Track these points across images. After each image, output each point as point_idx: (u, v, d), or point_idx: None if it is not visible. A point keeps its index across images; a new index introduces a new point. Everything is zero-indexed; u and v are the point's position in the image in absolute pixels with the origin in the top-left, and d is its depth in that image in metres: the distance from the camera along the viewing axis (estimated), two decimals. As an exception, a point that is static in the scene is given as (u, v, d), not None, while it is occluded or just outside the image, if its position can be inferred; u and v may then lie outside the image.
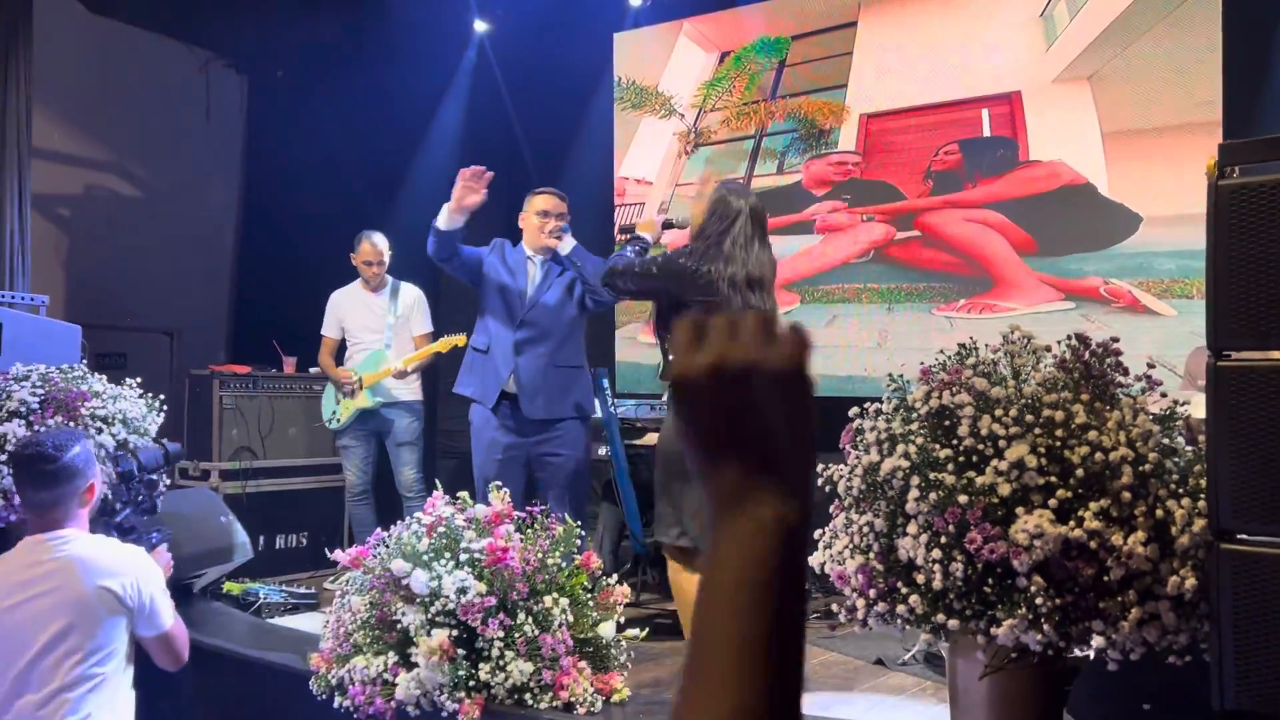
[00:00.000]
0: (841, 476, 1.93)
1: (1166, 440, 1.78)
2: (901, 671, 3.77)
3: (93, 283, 6.25)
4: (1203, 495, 1.71)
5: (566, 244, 3.98)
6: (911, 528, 1.78)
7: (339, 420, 5.19)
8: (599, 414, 4.80)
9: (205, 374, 5.35)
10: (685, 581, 3.38)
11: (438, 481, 3.32)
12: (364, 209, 6.20)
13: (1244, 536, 1.63)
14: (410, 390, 5.17)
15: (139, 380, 3.72)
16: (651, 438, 5.03)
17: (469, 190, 3.98)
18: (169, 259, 6.53)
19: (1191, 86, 4.27)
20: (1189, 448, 1.83)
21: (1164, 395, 1.88)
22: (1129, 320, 4.34)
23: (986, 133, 4.87)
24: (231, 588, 4.53)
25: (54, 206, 6.09)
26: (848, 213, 5.26)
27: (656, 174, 6.15)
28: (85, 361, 3.66)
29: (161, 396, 3.70)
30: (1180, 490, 1.73)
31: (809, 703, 2.35)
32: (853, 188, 5.31)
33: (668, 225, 3.66)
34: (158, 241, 6.48)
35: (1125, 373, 1.87)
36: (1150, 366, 1.88)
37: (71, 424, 3.36)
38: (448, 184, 6.38)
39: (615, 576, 3.04)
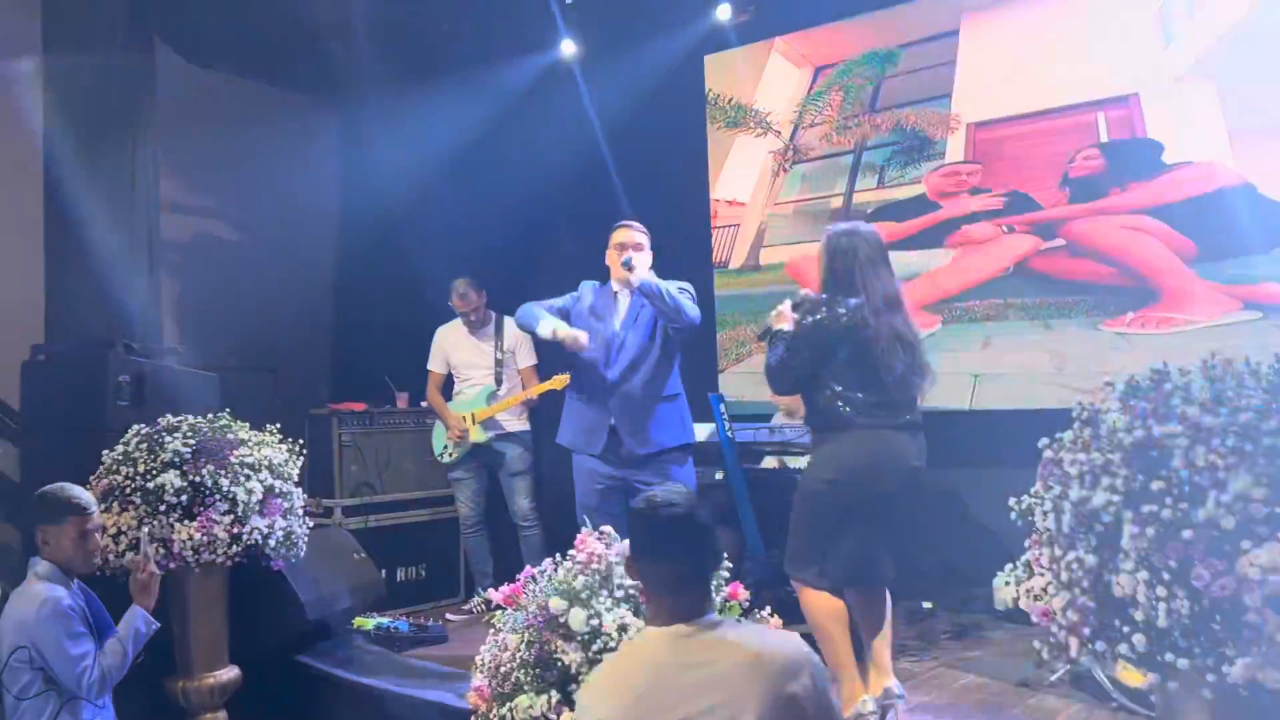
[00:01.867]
0: (1044, 511, 1.89)
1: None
2: (1050, 693, 3.70)
3: (199, 326, 6.43)
4: None
5: (638, 275, 3.94)
6: (1127, 564, 1.74)
7: (451, 455, 5.27)
8: (709, 438, 4.81)
9: (324, 413, 5.47)
10: (816, 603, 3.36)
11: (585, 517, 3.32)
12: (457, 241, 6.30)
13: None
14: (519, 421, 5.26)
15: (278, 426, 3.81)
16: (769, 461, 5.02)
17: (573, 344, 4.02)
18: (270, 299, 6.69)
19: None
20: None
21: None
22: None
23: (1103, 138, 4.71)
24: (362, 623, 4.62)
25: (165, 254, 6.29)
26: (992, 225, 5.06)
27: (750, 194, 6.14)
28: (229, 411, 3.76)
29: (301, 441, 3.78)
30: None
31: None
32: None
33: (796, 306, 3.53)
34: (259, 283, 6.65)
35: (1337, 394, 1.81)
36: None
37: (222, 472, 3.45)
38: (539, 212, 6.45)
39: (768, 609, 3.03)
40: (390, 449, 5.56)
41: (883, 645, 3.41)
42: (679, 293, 4.07)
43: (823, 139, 5.79)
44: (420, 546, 5.54)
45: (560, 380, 4.88)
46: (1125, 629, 1.75)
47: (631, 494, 4.17)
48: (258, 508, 3.49)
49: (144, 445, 3.50)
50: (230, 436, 3.60)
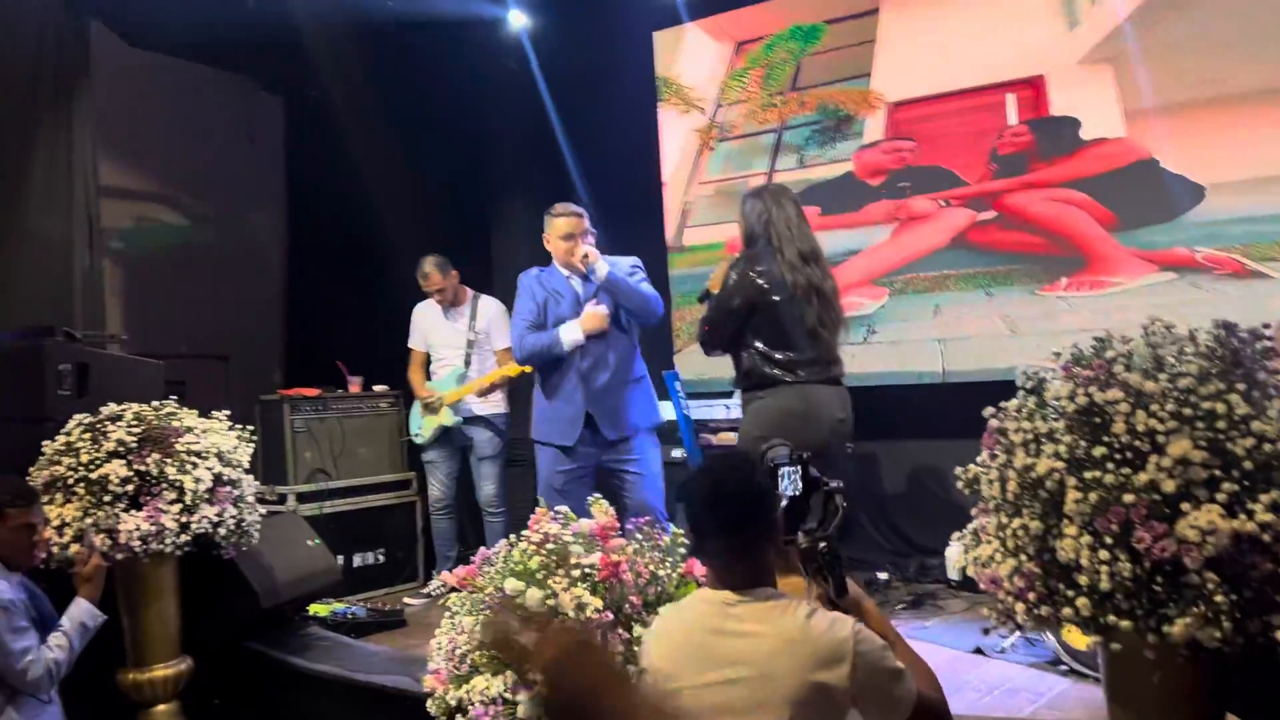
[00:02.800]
0: (990, 480, 1.91)
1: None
2: (1003, 660, 3.76)
3: (146, 313, 6.30)
4: (1376, 481, 1.68)
5: (599, 271, 3.91)
6: (1071, 529, 1.76)
7: (424, 436, 5.23)
8: (667, 417, 4.81)
9: (275, 399, 5.40)
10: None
11: (540, 497, 3.31)
12: (409, 221, 6.22)
13: None
14: (491, 405, 5.19)
15: (226, 413, 3.74)
16: (726, 436, 5.03)
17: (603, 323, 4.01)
18: (218, 285, 6.57)
19: (1220, 63, 4.33)
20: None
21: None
22: (1239, 286, 4.29)
23: (1012, 118, 4.90)
24: (318, 610, 4.58)
25: (107, 239, 6.14)
26: (930, 200, 5.19)
27: (672, 173, 6.11)
28: (176, 398, 3.68)
29: (251, 427, 3.72)
30: (1352, 477, 1.71)
31: None
32: (910, 175, 5.26)
33: (735, 265, 3.62)
34: (207, 269, 6.52)
35: (1275, 356, 1.83)
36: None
37: (169, 461, 3.38)
38: (493, 188, 6.38)
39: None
40: (345, 434, 5.50)
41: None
42: (633, 273, 4.05)
43: (747, 117, 5.80)
44: (377, 531, 5.50)
45: (515, 368, 4.83)
46: (1069, 593, 1.77)
47: (600, 476, 4.16)
48: (206, 496, 3.43)
49: (87, 435, 3.42)
50: (176, 424, 3.53)
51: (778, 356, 3.41)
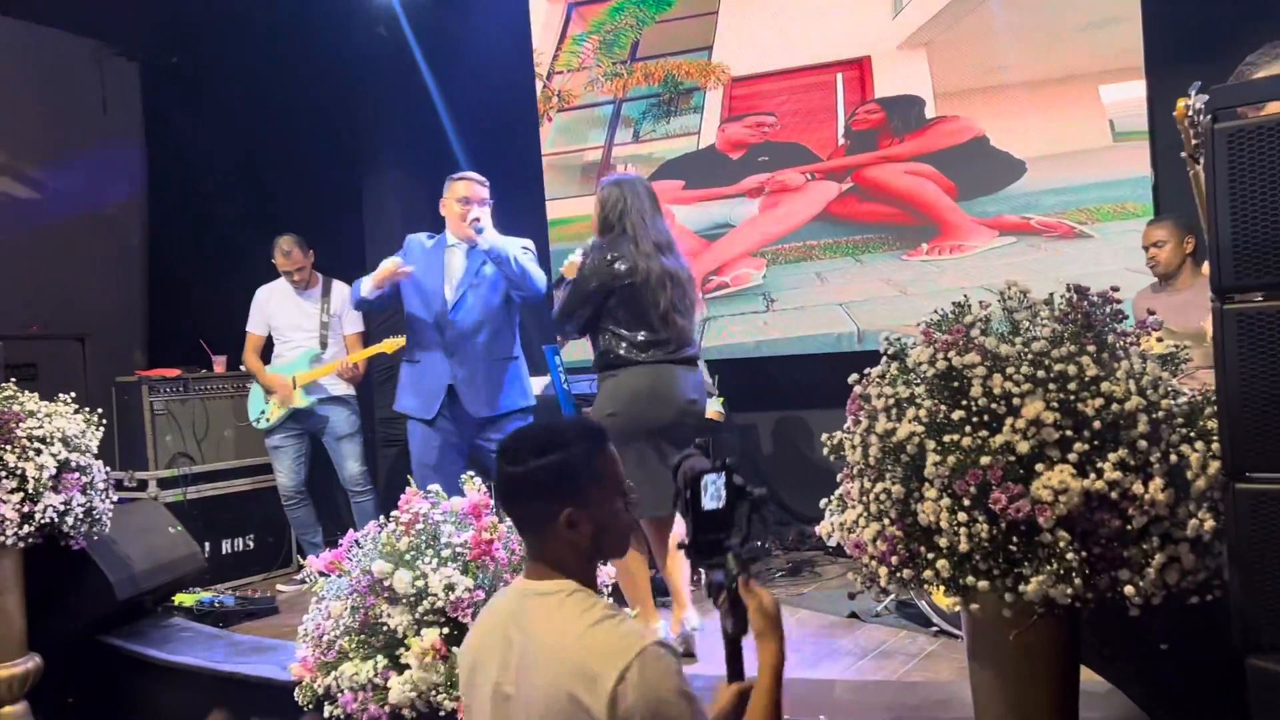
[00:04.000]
0: (853, 446, 1.91)
1: (1173, 384, 1.81)
2: (876, 624, 3.84)
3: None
4: (1213, 438, 1.73)
5: (486, 239, 3.88)
6: (931, 492, 1.77)
7: (268, 420, 5.04)
8: (545, 391, 4.75)
9: (132, 380, 5.13)
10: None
11: (409, 476, 3.21)
12: (278, 196, 5.98)
13: (1257, 475, 1.66)
14: (345, 386, 5.06)
15: (73, 395, 3.53)
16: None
17: (395, 276, 3.99)
18: (74, 262, 6.21)
19: (1023, 48, 4.75)
20: (1191, 390, 1.86)
21: (1160, 341, 1.91)
22: (1071, 245, 4.69)
23: (840, 96, 5.16)
24: (183, 599, 4.39)
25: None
26: (799, 173, 5.30)
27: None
28: (15, 381, 3.45)
29: (100, 410, 3.52)
30: (1190, 433, 1.76)
31: (797, 662, 2.39)
32: (768, 150, 5.34)
33: (590, 253, 3.71)
34: (60, 244, 6.15)
35: (1122, 319, 1.88)
36: (1150, 313, 1.91)
37: (8, 447, 3.17)
38: (365, 163, 6.17)
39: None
40: (209, 416, 5.27)
41: (677, 575, 3.56)
42: (524, 253, 4.00)
43: (588, 86, 5.78)
44: (246, 516, 5.30)
45: (391, 344, 4.70)
46: (930, 555, 1.79)
47: (475, 455, 4.09)
48: (51, 484, 3.22)
49: (-84, 422, 3.18)
50: (17, 409, 3.30)
51: (631, 338, 3.51)
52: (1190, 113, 1.94)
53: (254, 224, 5.70)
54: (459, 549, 2.76)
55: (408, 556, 2.77)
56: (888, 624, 3.83)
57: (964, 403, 1.80)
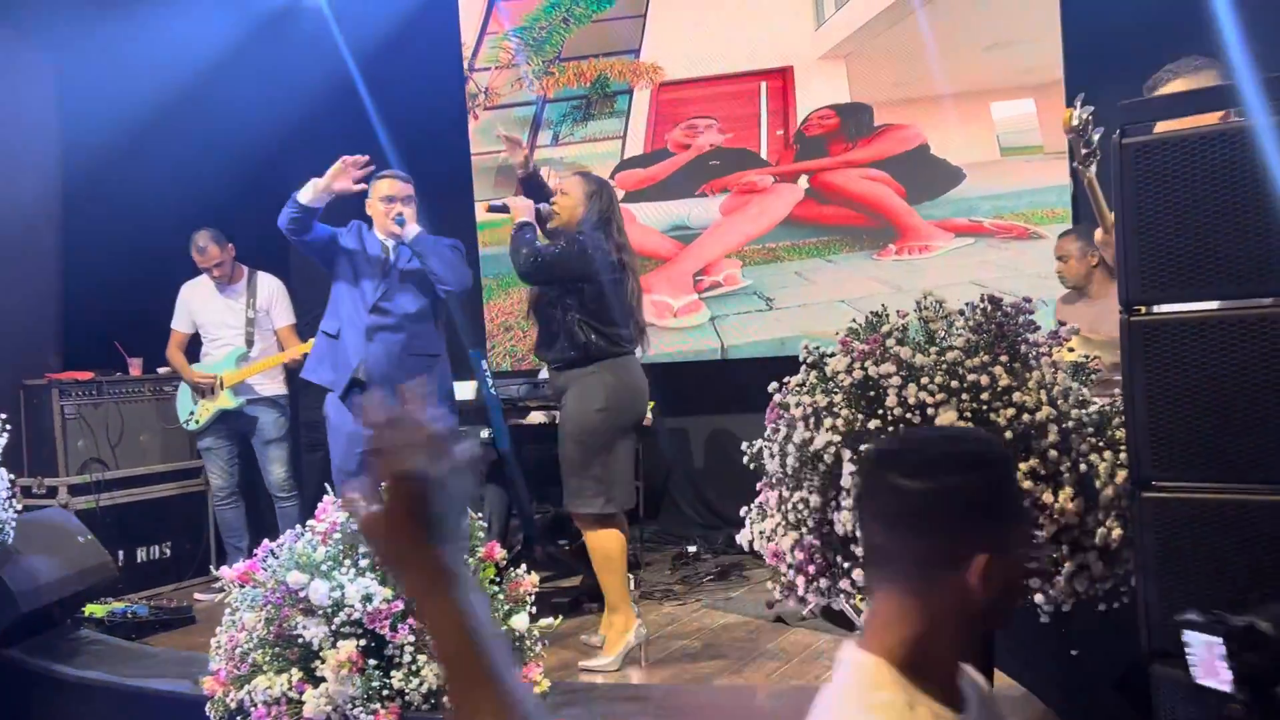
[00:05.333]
0: (772, 455, 1.91)
1: (1084, 393, 1.83)
2: (803, 627, 3.86)
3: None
4: (1121, 447, 1.76)
5: (409, 231, 3.82)
6: (848, 501, 1.78)
7: (198, 421, 4.90)
8: (474, 396, 4.69)
9: (42, 383, 4.95)
10: (603, 540, 3.52)
11: (327, 485, 3.14)
12: (198, 191, 5.81)
13: (1163, 484, 1.69)
14: (275, 385, 4.94)
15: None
16: (535, 416, 4.95)
17: (345, 176, 3.81)
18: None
19: (942, 63, 4.87)
20: (1099, 400, 1.90)
21: (1071, 351, 1.94)
22: (1025, 245, 4.79)
23: (764, 104, 5.25)
24: (94, 610, 4.24)
25: None
26: (757, 174, 5.35)
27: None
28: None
29: (3, 416, 3.38)
30: (1100, 443, 1.79)
31: (722, 668, 2.32)
32: (719, 154, 5.35)
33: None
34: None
35: (1035, 329, 1.91)
36: (1061, 324, 1.94)
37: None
38: (290, 156, 6.03)
39: (524, 566, 2.97)
40: (124, 420, 5.09)
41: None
42: (452, 251, 3.94)
43: (513, 84, 5.75)
44: (163, 523, 5.13)
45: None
46: (846, 565, 1.79)
47: None
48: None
49: None
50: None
51: (612, 332, 3.54)
52: (1077, 123, 1.98)
53: (174, 222, 5.52)
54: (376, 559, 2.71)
55: (324, 567, 2.70)
56: (815, 627, 3.84)
57: (880, 412, 1.81)
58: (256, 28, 5.87)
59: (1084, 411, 1.84)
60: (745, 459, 2.02)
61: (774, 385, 2.02)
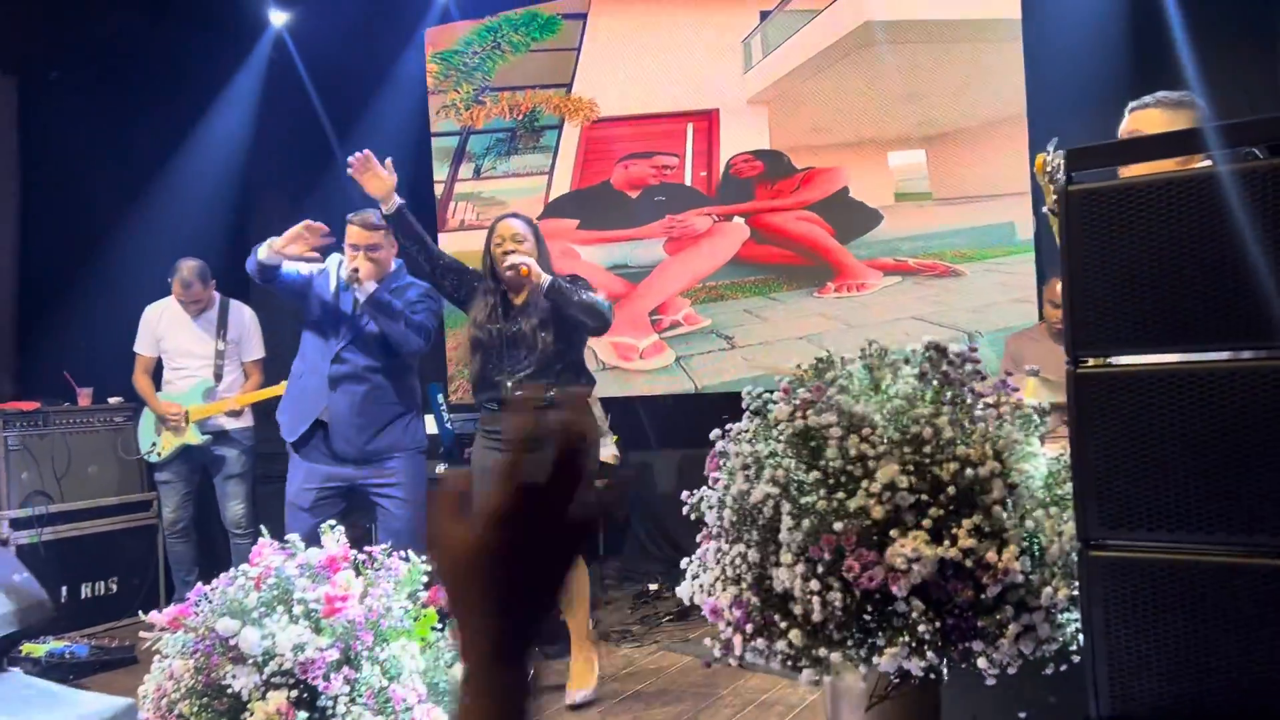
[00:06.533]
0: (710, 506, 1.83)
1: (1029, 447, 1.77)
2: (762, 671, 3.77)
3: None
4: (1068, 503, 1.70)
5: (364, 290, 3.64)
6: (786, 557, 1.70)
7: (159, 454, 4.77)
8: (435, 431, 4.60)
9: (-17, 414, 4.81)
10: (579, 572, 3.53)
11: (263, 527, 3.03)
12: (159, 220, 5.73)
13: (1111, 542, 1.63)
14: (240, 421, 4.80)
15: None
16: (492, 451, 4.87)
17: (302, 242, 3.61)
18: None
19: (860, 112, 4.94)
20: (1052, 449, 1.83)
21: (1018, 405, 1.87)
22: (950, 283, 4.79)
23: (689, 146, 5.28)
24: (32, 650, 4.10)
25: None
26: (699, 215, 5.32)
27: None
28: None
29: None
30: (1047, 499, 1.73)
31: (677, 714, 2.22)
32: (665, 191, 5.31)
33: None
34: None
35: (982, 378, 1.85)
36: (1009, 374, 1.88)
37: None
38: (255, 190, 5.97)
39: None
40: (71, 452, 4.95)
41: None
42: (422, 299, 3.78)
43: (439, 113, 5.69)
44: (109, 558, 4.97)
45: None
46: (784, 624, 1.72)
47: (354, 498, 3.88)
48: None
49: None
50: None
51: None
52: (1049, 168, 1.93)
53: (131, 250, 5.42)
54: (312, 605, 2.60)
55: (254, 615, 2.59)
56: (772, 672, 3.74)
57: (820, 464, 1.74)
58: (220, 57, 5.81)
59: (1030, 465, 1.78)
60: (685, 509, 1.94)
61: (716, 432, 1.95)
